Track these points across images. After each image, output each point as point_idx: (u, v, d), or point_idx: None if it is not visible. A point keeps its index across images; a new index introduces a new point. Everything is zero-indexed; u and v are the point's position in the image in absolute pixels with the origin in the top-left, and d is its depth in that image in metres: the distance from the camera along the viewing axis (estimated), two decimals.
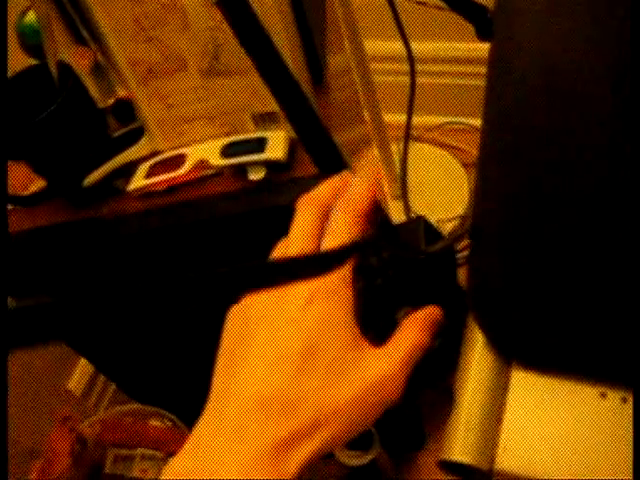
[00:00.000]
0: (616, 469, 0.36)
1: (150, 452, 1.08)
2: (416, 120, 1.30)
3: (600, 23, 0.33)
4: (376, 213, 0.43)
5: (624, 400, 0.37)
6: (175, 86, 0.80)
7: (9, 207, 0.88)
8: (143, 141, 0.85)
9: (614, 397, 0.38)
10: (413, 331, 0.39)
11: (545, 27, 0.35)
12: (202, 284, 0.27)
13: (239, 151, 0.79)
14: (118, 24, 0.75)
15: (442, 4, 0.74)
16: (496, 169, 0.40)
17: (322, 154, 0.63)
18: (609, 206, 0.34)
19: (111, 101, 0.87)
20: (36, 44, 0.82)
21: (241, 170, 0.79)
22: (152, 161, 0.84)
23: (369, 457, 0.97)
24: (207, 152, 0.81)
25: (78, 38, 0.82)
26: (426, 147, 1.59)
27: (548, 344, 0.39)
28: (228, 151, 0.80)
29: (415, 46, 1.14)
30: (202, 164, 0.81)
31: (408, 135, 1.34)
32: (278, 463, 0.32)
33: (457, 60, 1.51)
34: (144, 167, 0.84)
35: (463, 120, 1.58)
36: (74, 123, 0.80)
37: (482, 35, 0.72)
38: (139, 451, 1.09)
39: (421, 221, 0.47)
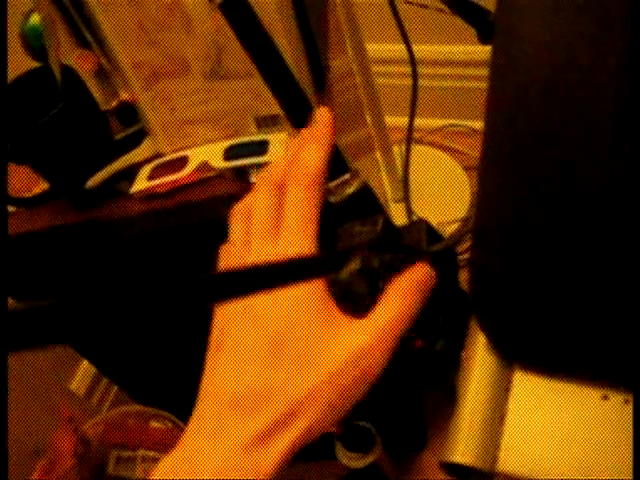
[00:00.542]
0: (618, 471, 0.36)
1: (151, 454, 1.09)
2: (418, 123, 1.30)
3: (603, 23, 0.33)
4: (335, 162, 0.42)
5: (626, 402, 0.37)
6: (178, 89, 0.80)
7: (12, 209, 0.89)
8: (146, 143, 0.85)
9: (616, 399, 0.38)
10: (395, 297, 0.37)
11: (547, 27, 0.35)
12: (192, 289, 0.27)
13: (241, 153, 0.79)
14: (121, 27, 0.75)
15: (444, 7, 0.74)
16: (497, 171, 0.40)
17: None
18: (613, 207, 0.34)
19: (114, 104, 0.88)
20: (39, 47, 0.82)
21: (243, 172, 0.80)
22: (154, 163, 0.84)
23: (370, 459, 0.97)
24: (209, 154, 0.81)
25: (81, 41, 0.82)
26: (428, 150, 1.59)
27: (550, 346, 0.39)
28: (230, 153, 0.80)
29: (417, 49, 1.14)
30: (204, 166, 0.81)
31: (410, 138, 1.34)
32: (257, 456, 0.32)
33: (458, 63, 1.51)
34: (146, 169, 0.84)
35: (465, 123, 1.58)
36: (77, 126, 0.80)
37: (484, 38, 0.72)
38: (140, 452, 1.09)
39: (423, 224, 0.48)
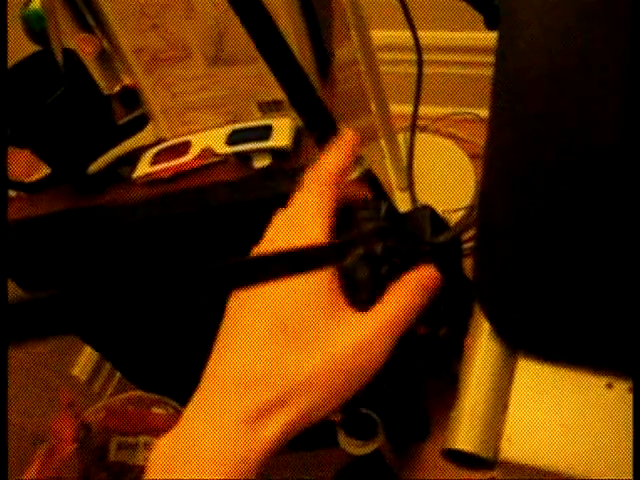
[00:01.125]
0: (622, 460, 0.36)
1: (153, 440, 1.09)
2: (423, 110, 1.30)
3: (609, 9, 0.33)
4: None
5: (631, 390, 0.37)
6: (180, 74, 0.79)
7: (13, 194, 0.88)
8: (148, 129, 0.85)
9: (620, 387, 0.37)
10: (401, 293, 0.38)
11: (551, 12, 0.35)
12: (203, 278, 0.28)
13: (244, 138, 0.79)
14: (123, 11, 0.74)
15: None
16: (502, 158, 0.40)
17: (329, 141, 0.62)
18: (617, 192, 0.34)
19: (117, 88, 0.87)
20: (41, 31, 0.82)
21: (246, 158, 0.79)
22: (157, 148, 0.84)
23: (373, 446, 0.97)
24: (212, 140, 0.81)
25: (84, 25, 0.82)
26: (433, 138, 1.59)
27: (554, 335, 0.39)
28: (233, 139, 0.80)
29: (422, 35, 1.13)
30: (207, 152, 0.80)
31: (414, 126, 1.33)
32: (254, 432, 0.33)
33: (464, 49, 1.50)
34: (149, 154, 0.83)
35: (470, 110, 1.57)
36: (78, 110, 0.79)
37: (490, 24, 0.71)
38: (142, 439, 1.09)
39: (428, 210, 0.47)
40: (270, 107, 0.80)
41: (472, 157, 1.50)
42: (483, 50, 1.43)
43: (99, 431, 1.09)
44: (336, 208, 0.41)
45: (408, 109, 1.29)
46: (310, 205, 0.41)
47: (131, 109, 0.88)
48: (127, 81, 0.88)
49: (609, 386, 0.38)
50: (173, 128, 0.84)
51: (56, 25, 0.78)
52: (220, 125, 0.82)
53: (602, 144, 0.34)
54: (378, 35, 1.23)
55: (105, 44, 0.82)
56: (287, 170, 0.77)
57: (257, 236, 0.44)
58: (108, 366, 1.46)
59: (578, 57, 0.34)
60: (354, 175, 0.48)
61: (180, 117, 0.83)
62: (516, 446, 0.38)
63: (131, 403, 1.14)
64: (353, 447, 0.98)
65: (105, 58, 0.84)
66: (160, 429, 1.07)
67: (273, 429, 0.33)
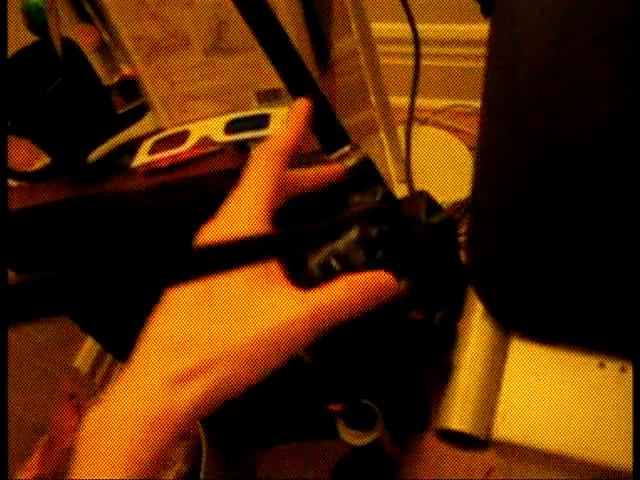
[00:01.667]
0: (614, 439, 0.36)
1: None
2: (422, 103, 1.30)
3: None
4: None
5: (623, 370, 0.37)
6: (179, 63, 0.80)
7: (13, 184, 0.89)
8: (147, 118, 0.85)
9: (613, 367, 0.38)
10: (341, 287, 0.37)
11: (544, 1, 0.35)
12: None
13: (242, 127, 0.79)
14: (121, 0, 0.74)
15: None
16: (494, 143, 0.40)
17: (327, 130, 0.62)
18: (609, 174, 0.34)
19: (116, 78, 0.87)
20: (42, 23, 0.82)
21: (244, 146, 0.79)
22: (156, 138, 0.84)
23: (372, 436, 0.98)
24: (211, 129, 0.81)
25: (83, 15, 0.82)
26: (432, 130, 1.59)
27: (547, 315, 0.39)
28: (231, 128, 0.80)
29: (421, 28, 1.13)
30: (205, 141, 0.81)
31: (412, 118, 1.33)
32: (175, 394, 0.33)
33: (463, 42, 1.50)
34: (148, 144, 0.84)
35: (470, 103, 1.57)
36: (78, 99, 0.80)
37: (487, 12, 0.71)
38: None
39: (424, 195, 0.47)
40: (268, 96, 0.80)
41: (471, 149, 1.50)
42: (483, 43, 1.42)
43: None
44: (284, 178, 0.42)
45: (408, 102, 1.29)
46: (253, 185, 0.41)
47: (130, 100, 0.88)
48: (126, 71, 0.89)
49: (601, 365, 0.38)
50: (172, 117, 0.84)
51: (56, 15, 0.79)
52: (219, 114, 0.82)
53: (595, 132, 0.34)
54: (378, 27, 1.23)
55: (104, 34, 0.83)
56: None
57: None
58: (109, 358, 1.47)
59: (571, 46, 0.34)
60: (350, 162, 0.48)
61: (179, 106, 0.83)
62: (509, 426, 0.39)
63: None
64: (352, 437, 0.98)
65: (104, 48, 0.84)
66: None
67: (192, 393, 0.33)
